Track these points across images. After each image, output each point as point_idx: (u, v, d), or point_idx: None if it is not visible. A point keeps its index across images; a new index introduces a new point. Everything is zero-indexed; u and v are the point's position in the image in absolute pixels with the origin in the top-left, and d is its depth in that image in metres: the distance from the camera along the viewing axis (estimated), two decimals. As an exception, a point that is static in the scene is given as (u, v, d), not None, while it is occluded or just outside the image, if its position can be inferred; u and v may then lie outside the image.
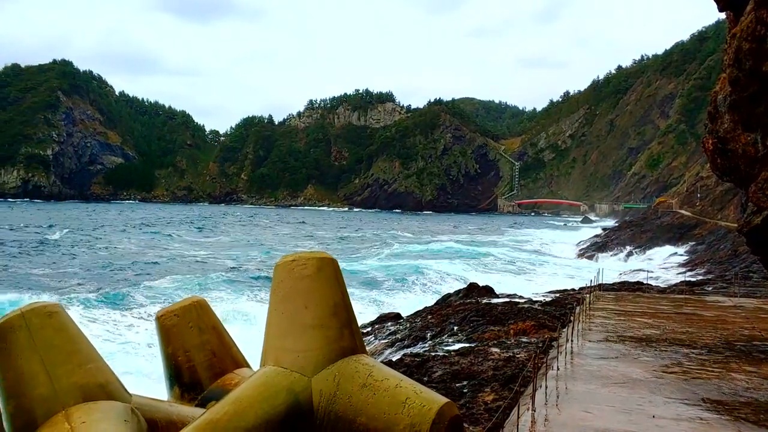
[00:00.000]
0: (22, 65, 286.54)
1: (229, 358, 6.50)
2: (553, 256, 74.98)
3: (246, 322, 28.27)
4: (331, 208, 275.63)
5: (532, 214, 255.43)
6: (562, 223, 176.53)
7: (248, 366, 6.62)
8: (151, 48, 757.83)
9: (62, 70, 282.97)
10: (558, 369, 13.24)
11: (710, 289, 33.73)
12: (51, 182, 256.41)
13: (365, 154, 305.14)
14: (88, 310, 30.74)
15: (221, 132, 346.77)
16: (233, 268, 53.65)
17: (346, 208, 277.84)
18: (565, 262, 67.16)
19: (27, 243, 69.69)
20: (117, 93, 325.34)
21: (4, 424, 4.83)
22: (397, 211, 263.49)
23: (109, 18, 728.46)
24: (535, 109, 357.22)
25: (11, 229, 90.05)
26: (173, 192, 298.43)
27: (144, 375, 19.12)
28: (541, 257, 72.66)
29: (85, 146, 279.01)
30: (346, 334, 5.13)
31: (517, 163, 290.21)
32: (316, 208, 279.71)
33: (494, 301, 27.09)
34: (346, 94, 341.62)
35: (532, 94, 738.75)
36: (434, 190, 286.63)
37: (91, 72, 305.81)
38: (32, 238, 76.79)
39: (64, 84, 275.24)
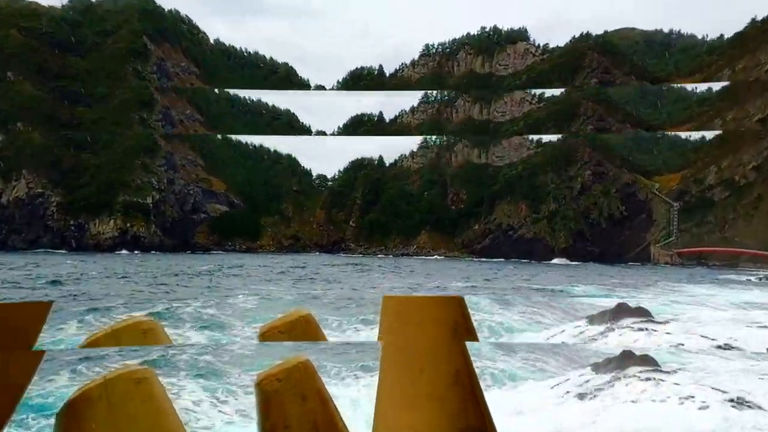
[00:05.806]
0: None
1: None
2: None
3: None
4: (445, 257, 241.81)
5: (697, 265, 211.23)
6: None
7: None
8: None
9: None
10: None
11: None
12: (152, 232, 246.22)
13: (486, 196, 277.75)
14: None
15: (329, 176, 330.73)
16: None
17: (464, 257, 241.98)
18: None
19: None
20: (219, 137, 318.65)
21: None
22: (525, 261, 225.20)
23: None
24: (723, 35, 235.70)
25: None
26: (279, 241, 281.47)
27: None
28: None
29: (188, 193, 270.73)
30: (470, 408, 3.90)
31: (675, 204, 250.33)
32: (430, 257, 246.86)
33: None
34: (468, 34, 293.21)
35: (712, 19, 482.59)
36: (569, 236, 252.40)
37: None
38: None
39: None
